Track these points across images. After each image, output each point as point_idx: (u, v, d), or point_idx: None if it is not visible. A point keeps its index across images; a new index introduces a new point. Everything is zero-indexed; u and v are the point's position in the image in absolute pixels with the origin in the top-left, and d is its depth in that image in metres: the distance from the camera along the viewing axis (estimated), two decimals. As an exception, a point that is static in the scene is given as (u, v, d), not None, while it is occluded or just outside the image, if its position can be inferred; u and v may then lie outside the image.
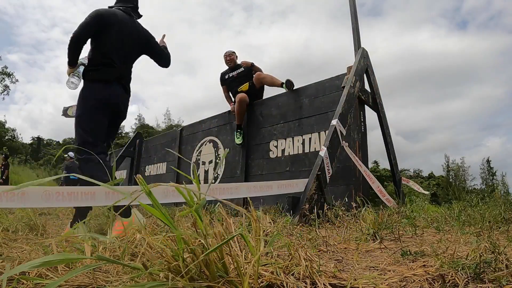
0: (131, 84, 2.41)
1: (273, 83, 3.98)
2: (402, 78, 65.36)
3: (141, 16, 2.49)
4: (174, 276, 0.70)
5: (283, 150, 3.68)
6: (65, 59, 2.23)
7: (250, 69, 4.29)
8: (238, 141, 4.18)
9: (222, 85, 4.55)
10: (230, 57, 4.42)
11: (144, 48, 2.43)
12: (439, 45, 70.87)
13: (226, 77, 4.46)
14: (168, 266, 0.72)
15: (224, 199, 0.86)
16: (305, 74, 60.88)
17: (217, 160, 4.58)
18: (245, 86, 4.19)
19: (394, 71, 63.79)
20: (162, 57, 2.52)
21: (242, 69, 4.34)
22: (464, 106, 65.94)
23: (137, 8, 2.47)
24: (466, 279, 0.86)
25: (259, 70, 4.26)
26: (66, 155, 10.02)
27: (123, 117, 2.35)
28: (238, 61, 4.48)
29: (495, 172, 35.61)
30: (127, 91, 2.32)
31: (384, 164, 30.70)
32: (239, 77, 4.32)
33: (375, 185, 2.90)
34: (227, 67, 4.50)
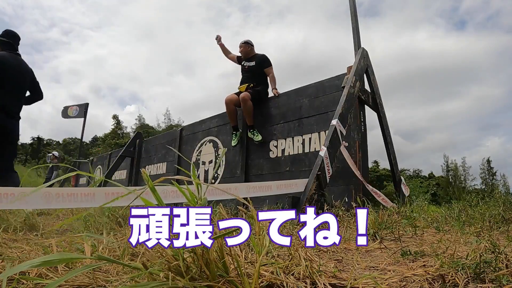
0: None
1: (244, 115, 3.96)
2: (400, 78, 65.53)
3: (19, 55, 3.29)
4: (174, 275, 0.70)
5: (283, 150, 3.67)
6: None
7: (262, 66, 4.09)
8: (233, 143, 4.16)
9: (236, 61, 4.40)
10: (241, 48, 4.28)
11: (28, 81, 3.14)
12: (437, 45, 71.08)
13: (242, 62, 4.28)
14: (168, 265, 0.72)
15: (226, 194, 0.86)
16: (303, 75, 60.99)
17: (217, 160, 4.57)
18: (243, 87, 4.07)
19: (392, 71, 63.93)
20: (37, 91, 3.33)
21: (253, 63, 4.15)
22: (463, 106, 66.15)
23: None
24: (466, 279, 0.86)
25: (270, 72, 4.08)
26: (51, 154, 9.85)
27: (12, 135, 2.98)
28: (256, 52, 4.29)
29: (495, 172, 35.70)
30: (11, 116, 2.96)
31: (384, 164, 30.77)
32: (249, 71, 4.15)
33: (370, 187, 2.90)
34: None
